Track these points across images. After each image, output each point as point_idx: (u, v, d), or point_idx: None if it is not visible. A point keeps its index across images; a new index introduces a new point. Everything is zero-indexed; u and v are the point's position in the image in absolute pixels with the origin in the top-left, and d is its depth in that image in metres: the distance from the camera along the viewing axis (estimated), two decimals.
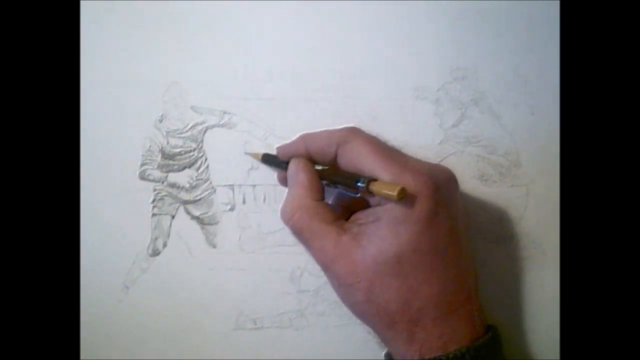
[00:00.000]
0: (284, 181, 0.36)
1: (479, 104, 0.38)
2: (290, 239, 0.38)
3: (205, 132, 0.38)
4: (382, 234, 0.29)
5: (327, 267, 0.31)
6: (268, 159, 0.37)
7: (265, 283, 0.38)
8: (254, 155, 0.38)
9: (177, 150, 0.38)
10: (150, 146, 0.38)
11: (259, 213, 0.38)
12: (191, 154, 0.38)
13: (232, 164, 0.38)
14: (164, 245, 0.38)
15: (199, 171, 0.38)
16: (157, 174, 0.38)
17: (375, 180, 0.29)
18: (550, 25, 0.37)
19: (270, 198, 0.38)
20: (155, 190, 0.38)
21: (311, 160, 0.34)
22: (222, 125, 0.38)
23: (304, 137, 0.35)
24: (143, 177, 0.38)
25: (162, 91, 0.38)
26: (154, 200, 0.38)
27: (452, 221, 0.30)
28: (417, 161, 0.33)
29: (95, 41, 0.37)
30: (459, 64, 0.38)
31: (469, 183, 0.38)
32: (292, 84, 0.38)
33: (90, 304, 0.37)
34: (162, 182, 0.38)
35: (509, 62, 0.38)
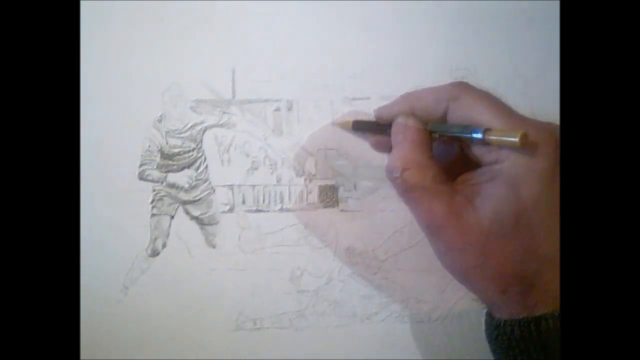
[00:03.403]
0: (379, 146, 0.34)
1: None
2: (290, 239, 0.38)
3: (204, 132, 0.38)
4: (499, 192, 0.27)
5: (434, 230, 0.29)
6: (361, 126, 0.35)
7: (265, 283, 0.38)
8: (343, 124, 0.36)
9: (176, 150, 0.38)
10: (149, 146, 0.38)
11: (259, 213, 0.38)
12: (190, 154, 0.38)
13: (231, 164, 0.38)
14: (164, 245, 0.38)
15: (198, 171, 0.38)
16: (156, 174, 0.38)
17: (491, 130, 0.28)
18: (550, 25, 0.37)
19: (269, 198, 0.38)
20: (154, 190, 0.38)
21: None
22: (222, 125, 0.38)
23: (407, 97, 0.33)
24: (142, 177, 0.38)
25: (162, 91, 0.38)
26: (153, 201, 0.38)
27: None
28: (535, 120, 0.30)
29: (95, 41, 0.37)
30: (459, 64, 0.38)
31: None
32: (292, 84, 0.38)
33: (90, 304, 0.37)
34: (161, 182, 0.38)
35: (509, 62, 0.38)
